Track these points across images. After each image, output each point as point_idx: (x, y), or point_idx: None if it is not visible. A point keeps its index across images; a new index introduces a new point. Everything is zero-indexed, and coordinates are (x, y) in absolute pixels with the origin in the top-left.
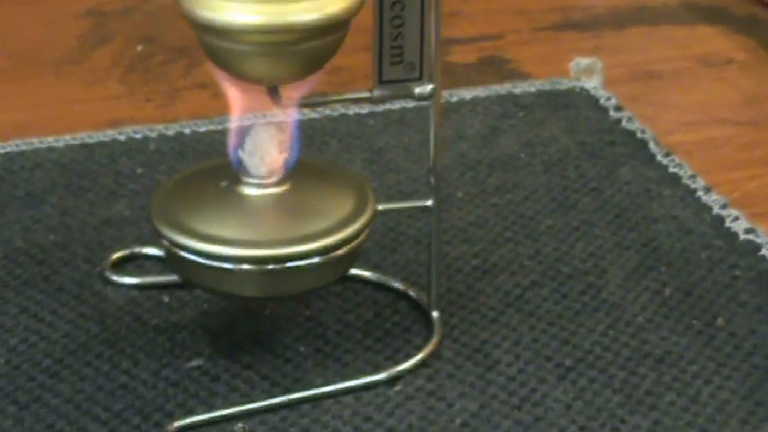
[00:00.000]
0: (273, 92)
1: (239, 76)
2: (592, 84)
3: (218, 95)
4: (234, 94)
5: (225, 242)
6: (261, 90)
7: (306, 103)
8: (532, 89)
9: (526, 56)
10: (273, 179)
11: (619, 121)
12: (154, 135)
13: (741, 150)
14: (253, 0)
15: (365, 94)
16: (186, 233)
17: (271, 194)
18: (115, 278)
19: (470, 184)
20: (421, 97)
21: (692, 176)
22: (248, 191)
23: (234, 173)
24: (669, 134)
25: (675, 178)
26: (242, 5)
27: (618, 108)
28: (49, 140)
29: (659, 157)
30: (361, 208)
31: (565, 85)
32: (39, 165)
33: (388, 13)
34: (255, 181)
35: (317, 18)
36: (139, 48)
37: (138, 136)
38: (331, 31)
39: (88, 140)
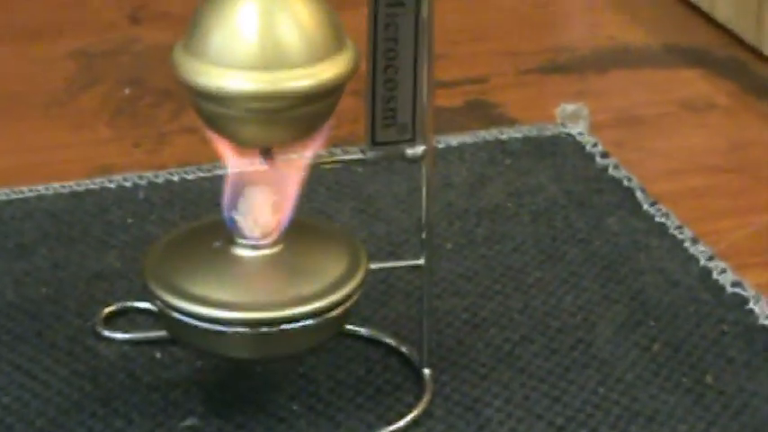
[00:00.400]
0: (266, 154)
1: (233, 139)
2: (577, 129)
3: (206, 141)
4: (228, 155)
5: (218, 305)
6: (255, 152)
7: (299, 165)
8: (519, 135)
9: (512, 99)
10: (267, 241)
11: (605, 168)
12: (143, 183)
13: (726, 198)
14: (247, 67)
15: (358, 156)
16: (180, 295)
17: (264, 256)
18: (107, 333)
19: (459, 235)
20: (413, 159)
21: (679, 227)
22: (242, 252)
23: (227, 232)
24: (654, 182)
25: (662, 229)
26: (236, 72)
27: (604, 155)
28: (39, 188)
29: (646, 207)
30: (354, 268)
31: (551, 130)
32: (29, 214)
33: (381, 76)
34: (249, 242)
35: (311, 85)
36: (127, 91)
37: (128, 184)
38: (324, 97)
39: (77, 189)
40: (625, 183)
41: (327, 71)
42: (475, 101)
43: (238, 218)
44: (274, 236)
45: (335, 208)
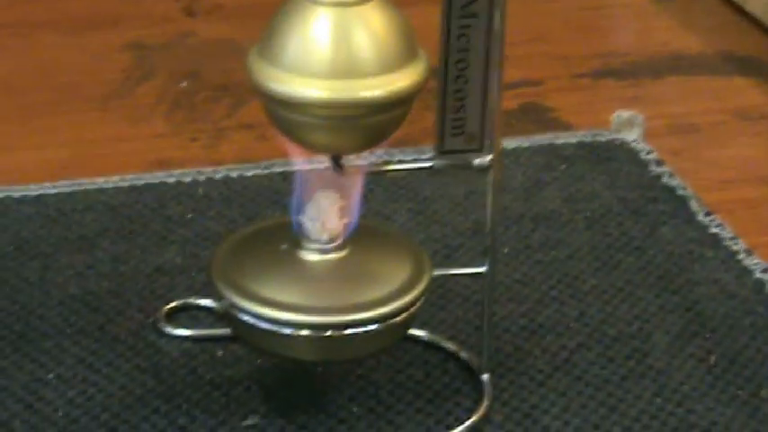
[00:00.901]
0: (336, 160)
1: (304, 145)
2: (632, 137)
3: (264, 137)
4: (298, 159)
5: (285, 307)
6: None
7: (368, 171)
8: (573, 140)
9: (566, 104)
10: (333, 245)
11: (659, 176)
12: (202, 179)
13: None
14: (321, 75)
15: (426, 164)
16: (247, 296)
17: (330, 260)
18: (169, 330)
19: (515, 240)
20: (480, 168)
21: (733, 238)
22: (308, 256)
23: (293, 235)
24: (709, 191)
25: (716, 239)
26: (310, 80)
27: (658, 163)
28: (99, 182)
29: (700, 217)
30: (418, 275)
31: (605, 137)
32: (89, 207)
33: (451, 86)
34: (316, 246)
35: (384, 94)
36: (183, 84)
37: (187, 179)
38: (396, 106)
39: (137, 182)
40: (679, 191)
41: (400, 81)
42: (529, 104)
43: (306, 221)
44: (341, 240)
45: (393, 209)
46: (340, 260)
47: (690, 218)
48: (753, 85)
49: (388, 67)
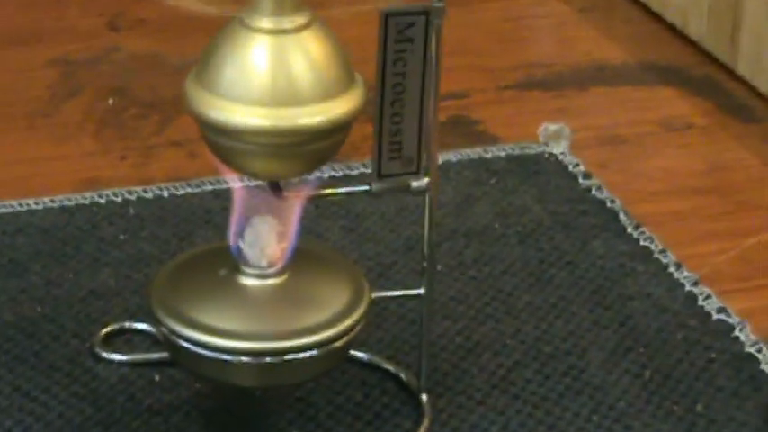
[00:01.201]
0: (275, 186)
1: (242, 171)
2: (560, 149)
3: (193, 155)
4: (234, 185)
5: (224, 334)
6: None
7: (306, 196)
8: (502, 154)
9: (492, 116)
10: (272, 270)
11: (588, 189)
12: (133, 198)
13: (708, 222)
14: (259, 103)
15: (363, 188)
16: (186, 322)
17: (269, 285)
18: (105, 355)
19: (448, 256)
20: (418, 191)
21: (663, 251)
22: (247, 281)
23: (232, 260)
24: (637, 203)
25: (647, 252)
26: (249, 108)
27: (587, 175)
28: (29, 203)
29: (630, 230)
30: (357, 298)
31: (534, 149)
32: (20, 230)
33: (388, 110)
34: (255, 271)
35: (324, 121)
36: (110, 101)
37: (118, 199)
38: (336, 132)
39: (67, 203)
40: (608, 204)
41: (338, 107)
42: (456, 117)
43: (245, 247)
44: (280, 265)
45: (325, 226)
46: (279, 285)
47: (620, 231)
48: (676, 96)
49: (327, 93)
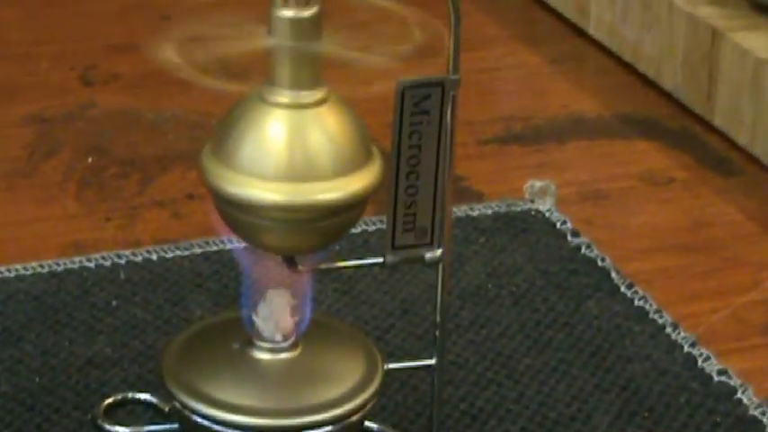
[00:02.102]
0: (289, 260)
1: (257, 245)
2: (546, 206)
3: (178, 215)
4: (247, 256)
5: (240, 410)
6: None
7: (319, 269)
8: (489, 212)
9: (475, 172)
10: (286, 344)
11: (578, 247)
12: (122, 262)
13: (697, 280)
14: (278, 178)
15: (377, 261)
16: (200, 398)
17: (284, 360)
18: (109, 427)
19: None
20: (432, 262)
21: (658, 311)
22: (261, 355)
23: (244, 332)
24: (627, 261)
25: (642, 313)
26: (267, 183)
27: (575, 233)
28: (17, 268)
29: (623, 289)
30: (371, 371)
31: (520, 206)
32: (10, 297)
33: (403, 183)
34: (268, 345)
35: (342, 197)
36: (89, 160)
37: (107, 263)
38: (354, 208)
39: (56, 268)
40: (599, 263)
41: (356, 183)
42: None
43: (259, 321)
44: (294, 339)
45: (318, 289)
46: (293, 360)
47: (613, 290)
48: (654, 149)
49: (345, 168)
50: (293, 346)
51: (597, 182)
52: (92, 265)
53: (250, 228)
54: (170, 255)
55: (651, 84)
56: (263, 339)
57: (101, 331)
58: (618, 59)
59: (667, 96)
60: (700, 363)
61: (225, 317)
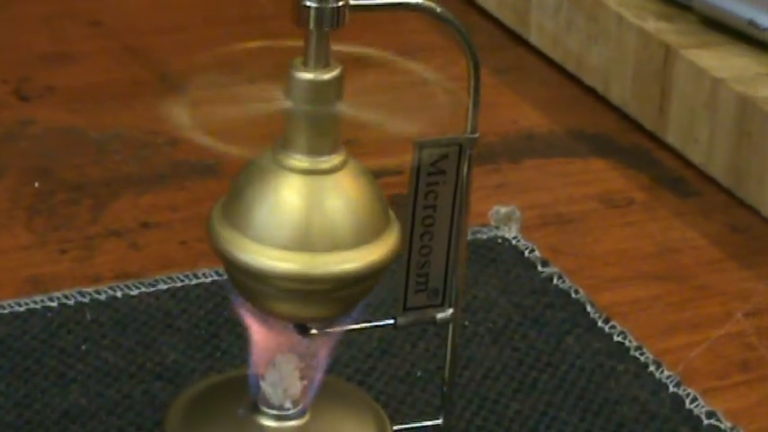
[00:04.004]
0: (301, 327)
1: (269, 313)
2: (512, 233)
3: (136, 246)
4: (257, 323)
5: None
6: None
7: (330, 333)
8: None
9: None
10: (295, 411)
11: (550, 278)
12: (86, 300)
13: (671, 312)
14: (294, 248)
15: (389, 323)
16: None
17: (291, 428)
18: None
19: (424, 359)
20: (443, 322)
21: (638, 348)
22: (268, 422)
23: (250, 395)
24: (598, 291)
25: (622, 349)
26: (282, 253)
27: (544, 263)
28: None
29: (600, 323)
30: None
31: (485, 233)
32: None
33: (417, 244)
34: (275, 412)
35: (360, 267)
36: (36, 184)
37: (71, 302)
38: (372, 277)
39: (18, 309)
40: (573, 295)
41: (376, 252)
42: (396, 196)
43: (266, 387)
44: (302, 405)
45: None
46: (301, 428)
47: (590, 325)
48: (609, 168)
49: (364, 237)
50: (302, 413)
51: (558, 204)
52: (55, 304)
53: (261, 295)
54: (135, 292)
55: (598, 97)
56: (270, 406)
57: (74, 379)
58: (560, 70)
59: (616, 111)
60: (687, 404)
61: (228, 376)
